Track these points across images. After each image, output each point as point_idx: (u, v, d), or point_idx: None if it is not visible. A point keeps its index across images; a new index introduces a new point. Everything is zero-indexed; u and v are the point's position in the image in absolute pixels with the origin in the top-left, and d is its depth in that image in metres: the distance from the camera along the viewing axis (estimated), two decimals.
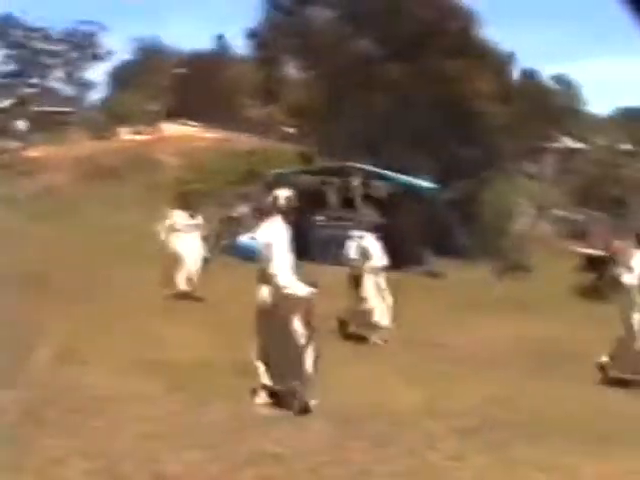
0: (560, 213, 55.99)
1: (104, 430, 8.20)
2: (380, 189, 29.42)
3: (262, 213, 30.21)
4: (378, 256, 16.65)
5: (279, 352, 9.61)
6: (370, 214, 26.86)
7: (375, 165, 29.89)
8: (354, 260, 16.64)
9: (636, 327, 13.55)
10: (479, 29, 36.27)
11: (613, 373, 13.57)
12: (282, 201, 9.93)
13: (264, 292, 9.66)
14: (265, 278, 9.63)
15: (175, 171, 45.19)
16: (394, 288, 19.25)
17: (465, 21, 35.78)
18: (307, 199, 29.17)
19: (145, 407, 9.19)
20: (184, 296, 18.43)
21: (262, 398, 9.73)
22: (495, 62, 38.67)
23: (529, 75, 70.27)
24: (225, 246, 27.96)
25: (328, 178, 29.46)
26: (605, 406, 11.51)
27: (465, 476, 7.79)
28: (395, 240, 26.32)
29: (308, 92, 37.63)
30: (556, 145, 65.01)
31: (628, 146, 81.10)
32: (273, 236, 9.61)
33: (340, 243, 25.52)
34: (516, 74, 52.38)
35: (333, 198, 29.33)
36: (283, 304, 9.51)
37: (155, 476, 6.98)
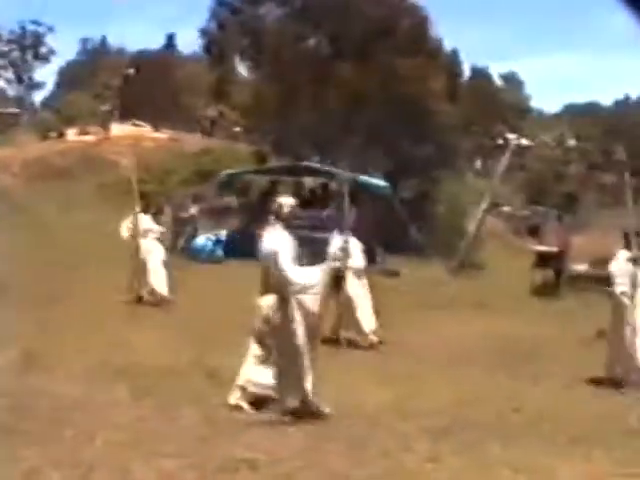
0: (510, 210, 56.48)
1: (74, 439, 8.09)
2: (332, 187, 29.41)
3: (214, 213, 30.01)
4: (359, 256, 16.37)
5: (285, 361, 9.47)
6: (323, 213, 26.80)
7: (329, 163, 29.85)
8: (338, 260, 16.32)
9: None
10: (431, 27, 36.43)
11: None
12: (286, 209, 9.77)
13: (269, 301, 9.50)
14: (270, 287, 9.51)
15: (125, 171, 44.83)
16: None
17: (417, 19, 35.87)
18: (260, 199, 29.16)
19: (114, 414, 9.08)
20: (149, 301, 18.21)
21: (239, 399, 9.63)
22: (446, 60, 38.87)
23: (478, 73, 70.85)
24: (182, 248, 27.78)
25: (281, 177, 29.36)
26: (574, 405, 11.53)
27: (442, 478, 7.76)
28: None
29: (259, 91, 37.46)
30: (504, 143, 65.51)
31: (574, 142, 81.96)
32: (278, 244, 9.46)
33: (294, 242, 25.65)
34: (465, 72, 52.83)
35: None
36: (289, 313, 9.36)
37: None
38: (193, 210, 29.73)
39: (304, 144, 33.02)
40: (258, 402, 9.66)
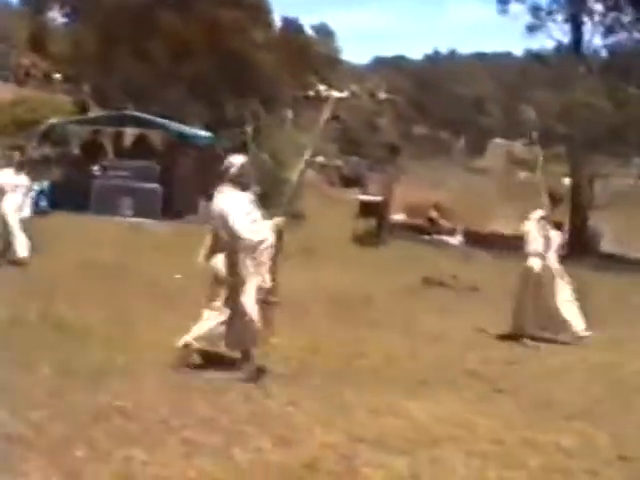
0: (323, 160, 57.20)
1: None
2: (155, 138, 29.18)
3: (34, 164, 29.32)
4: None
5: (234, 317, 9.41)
6: (147, 164, 26.49)
7: (150, 114, 29.54)
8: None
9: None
10: None
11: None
12: (234, 170, 9.42)
13: (219, 261, 9.46)
14: (219, 247, 9.42)
15: None
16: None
17: None
18: (83, 149, 28.66)
19: None
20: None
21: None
22: (264, 12, 38.97)
23: (289, 25, 71.01)
24: None
25: (103, 127, 28.89)
26: (415, 350, 12.00)
27: (303, 420, 8.00)
28: (172, 189, 26.27)
29: (79, 40, 36.61)
30: (315, 94, 66.06)
31: (385, 94, 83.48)
32: (227, 204, 9.18)
33: (115, 193, 25.35)
34: (277, 24, 52.93)
35: (108, 147, 28.78)
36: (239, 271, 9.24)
37: (6, 439, 6.79)
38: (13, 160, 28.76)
39: (125, 94, 32.57)
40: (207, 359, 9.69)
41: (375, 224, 27.81)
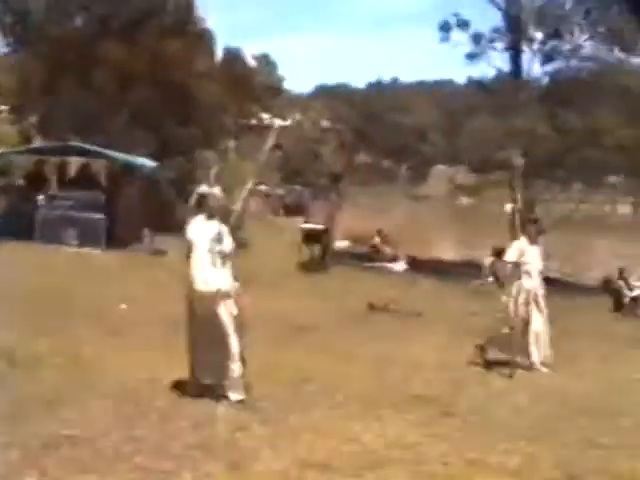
0: (266, 189, 57.41)
1: None
2: (100, 168, 29.13)
3: None
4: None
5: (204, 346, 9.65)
6: (92, 194, 26.46)
7: (94, 144, 29.49)
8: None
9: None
10: (196, 9, 36.55)
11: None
12: (210, 200, 9.79)
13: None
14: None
15: None
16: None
17: (183, 1, 35.88)
18: (27, 179, 28.52)
19: None
20: None
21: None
22: (207, 42, 39.12)
23: (232, 54, 71.21)
24: None
25: (47, 157, 28.80)
26: (360, 375, 12.15)
27: (253, 445, 8.12)
28: (116, 219, 26.22)
29: (23, 70, 36.41)
30: (258, 123, 66.31)
31: (328, 123, 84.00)
32: (195, 234, 9.58)
33: (59, 223, 25.28)
34: (218, 53, 53.02)
35: (53, 178, 28.70)
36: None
37: None
38: None
39: (69, 124, 32.49)
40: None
41: (319, 252, 27.96)
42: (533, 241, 14.29)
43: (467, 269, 30.97)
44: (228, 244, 9.65)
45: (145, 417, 8.64)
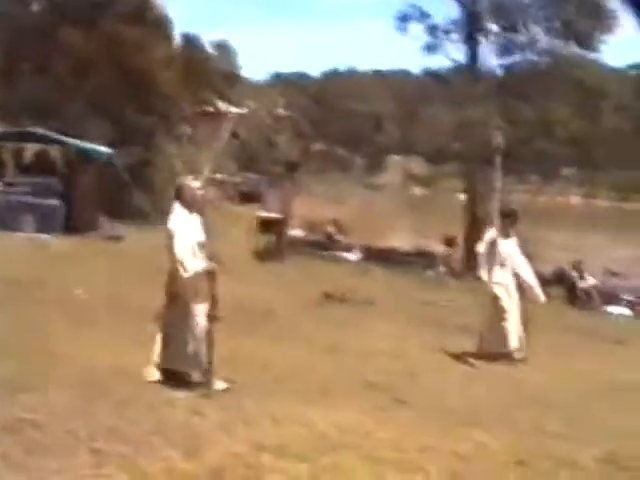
0: (222, 177, 57.30)
1: None
2: (56, 154, 29.03)
3: None
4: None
5: (179, 334, 9.81)
6: (49, 180, 26.47)
7: (52, 130, 29.36)
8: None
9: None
10: None
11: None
12: (187, 192, 9.93)
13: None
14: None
15: None
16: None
17: None
18: None
19: None
20: None
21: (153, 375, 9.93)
22: (165, 29, 38.92)
23: (190, 41, 70.90)
24: None
25: (4, 143, 28.67)
26: (315, 363, 12.31)
27: (209, 429, 8.25)
28: (73, 205, 26.23)
29: None
30: (214, 110, 66.04)
31: (284, 111, 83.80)
32: (175, 228, 9.67)
33: (16, 210, 25.22)
34: (176, 40, 52.74)
35: (10, 164, 28.60)
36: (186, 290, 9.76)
37: None
38: None
39: (26, 110, 32.24)
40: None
41: (274, 240, 28.09)
42: (505, 234, 14.49)
43: (420, 259, 31.29)
44: (203, 234, 9.85)
45: (103, 402, 8.74)
